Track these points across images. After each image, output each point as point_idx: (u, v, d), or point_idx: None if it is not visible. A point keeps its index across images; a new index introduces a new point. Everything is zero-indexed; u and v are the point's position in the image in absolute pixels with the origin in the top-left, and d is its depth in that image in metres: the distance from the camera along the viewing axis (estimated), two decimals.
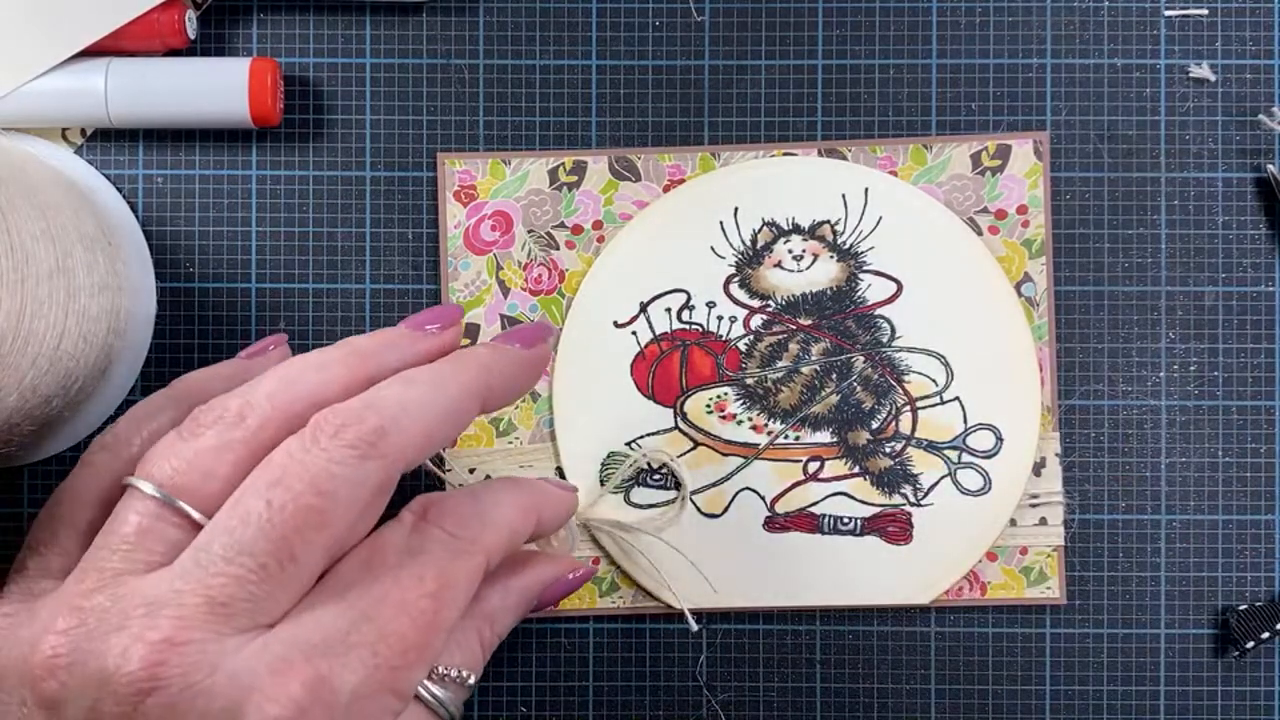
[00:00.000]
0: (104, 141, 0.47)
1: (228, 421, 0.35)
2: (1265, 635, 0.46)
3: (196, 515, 0.34)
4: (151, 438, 0.38)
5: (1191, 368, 0.47)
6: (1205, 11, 0.47)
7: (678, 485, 0.46)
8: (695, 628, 0.46)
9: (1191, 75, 0.47)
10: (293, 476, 0.33)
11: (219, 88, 0.45)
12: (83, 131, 0.47)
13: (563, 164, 0.47)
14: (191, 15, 0.46)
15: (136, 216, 0.47)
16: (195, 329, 0.47)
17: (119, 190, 0.47)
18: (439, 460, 0.44)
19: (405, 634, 0.33)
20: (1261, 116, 0.47)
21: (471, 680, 0.37)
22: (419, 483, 0.47)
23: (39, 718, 0.32)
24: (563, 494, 0.42)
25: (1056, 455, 0.46)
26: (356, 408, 0.34)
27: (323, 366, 0.37)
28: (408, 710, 0.35)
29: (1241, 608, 0.46)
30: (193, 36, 0.46)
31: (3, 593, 0.36)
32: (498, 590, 0.40)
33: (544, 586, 0.41)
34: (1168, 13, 0.47)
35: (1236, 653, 0.46)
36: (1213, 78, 0.47)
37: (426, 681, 0.36)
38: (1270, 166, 0.46)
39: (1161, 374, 0.47)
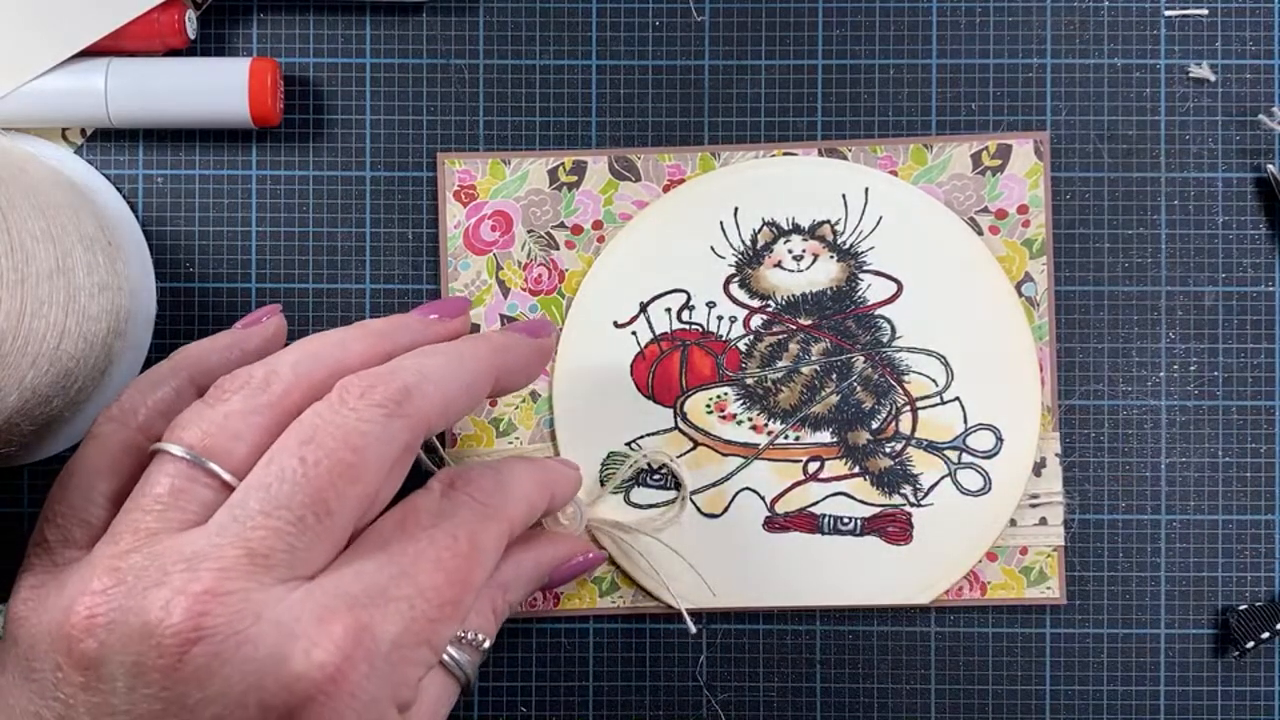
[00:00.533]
0: (104, 141, 0.47)
1: (253, 387, 0.36)
2: (1265, 635, 0.46)
3: (227, 476, 0.35)
4: (155, 407, 0.39)
5: (1191, 368, 0.47)
6: (1205, 11, 0.47)
7: (678, 485, 0.46)
8: (694, 630, 0.46)
9: (1191, 75, 0.47)
10: (324, 435, 0.34)
11: (219, 88, 0.45)
12: (83, 131, 0.47)
13: (562, 164, 0.47)
14: (191, 15, 0.46)
15: (136, 216, 0.47)
16: (195, 329, 0.47)
17: (119, 190, 0.47)
18: (439, 460, 0.44)
19: (441, 589, 0.34)
20: (1261, 116, 0.47)
21: (486, 645, 0.38)
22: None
23: (76, 679, 0.32)
24: (570, 472, 0.43)
25: (1057, 455, 0.46)
26: (382, 372, 0.36)
27: (341, 343, 0.38)
28: (430, 672, 0.36)
29: (1241, 608, 0.46)
30: (193, 36, 0.46)
31: (25, 567, 0.37)
32: (512, 562, 0.41)
33: (556, 562, 0.43)
34: (1168, 13, 0.47)
35: (1236, 653, 0.46)
36: (1213, 78, 0.47)
37: (450, 646, 0.37)
38: (1270, 166, 0.46)
39: (1161, 374, 0.47)
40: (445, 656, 0.37)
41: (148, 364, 0.47)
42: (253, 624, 0.32)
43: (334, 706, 0.32)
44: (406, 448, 0.36)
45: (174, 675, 0.31)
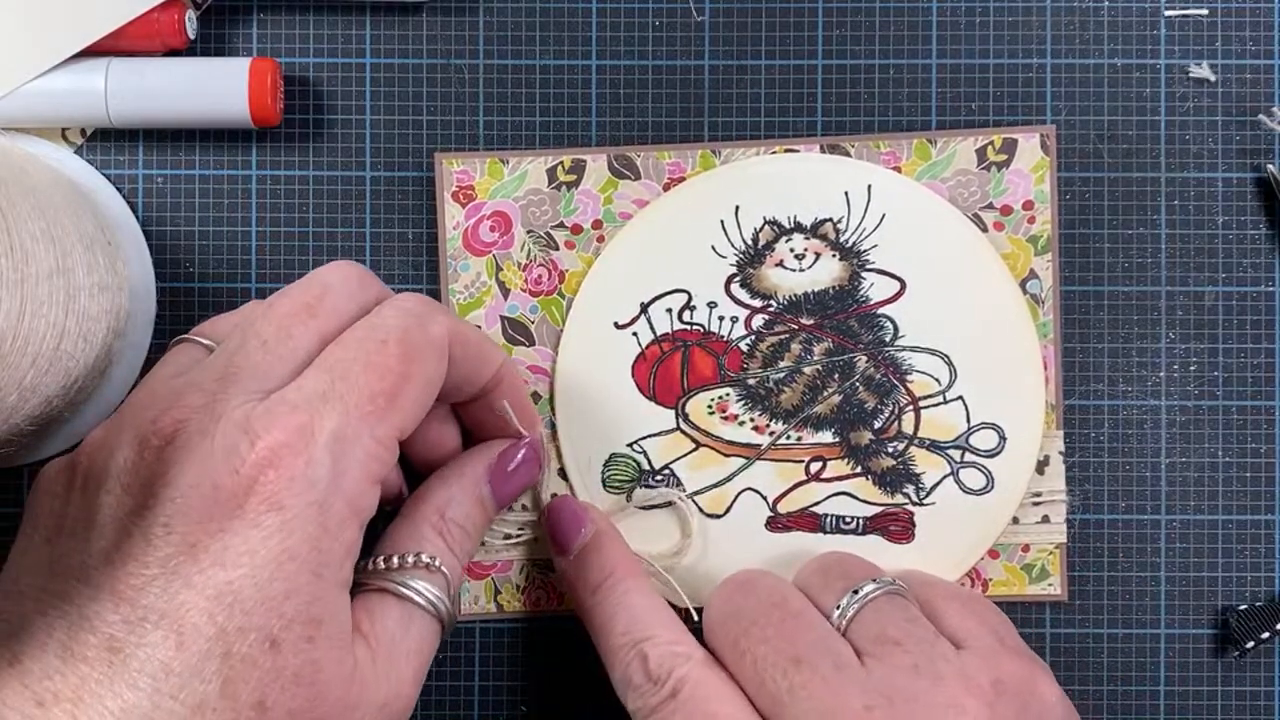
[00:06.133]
0: (104, 141, 0.47)
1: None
2: (1265, 635, 0.46)
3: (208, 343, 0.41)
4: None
5: (1191, 368, 0.47)
6: (1205, 11, 0.47)
7: (678, 482, 0.46)
8: (697, 619, 0.46)
9: (1191, 75, 0.47)
10: (291, 289, 0.40)
11: (219, 88, 0.45)
12: (83, 131, 0.47)
13: (561, 163, 0.47)
14: (191, 15, 0.46)
15: (136, 216, 0.47)
16: None
17: (119, 190, 0.47)
18: None
19: (373, 384, 0.37)
20: (1261, 116, 0.47)
21: (444, 569, 0.41)
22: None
23: (80, 501, 0.38)
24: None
25: (1060, 453, 0.46)
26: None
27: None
28: (402, 610, 0.40)
29: (1241, 608, 0.46)
30: (193, 36, 0.46)
31: None
32: (439, 480, 0.43)
33: (486, 465, 0.44)
34: (1168, 13, 0.47)
35: (1236, 653, 0.46)
36: (1213, 78, 0.47)
37: (399, 575, 0.40)
38: (1270, 166, 0.46)
39: (1161, 374, 0.47)
40: (408, 591, 0.40)
41: (147, 364, 0.47)
42: (214, 425, 0.36)
43: (274, 490, 0.36)
44: (361, 281, 0.40)
45: (151, 470, 0.36)
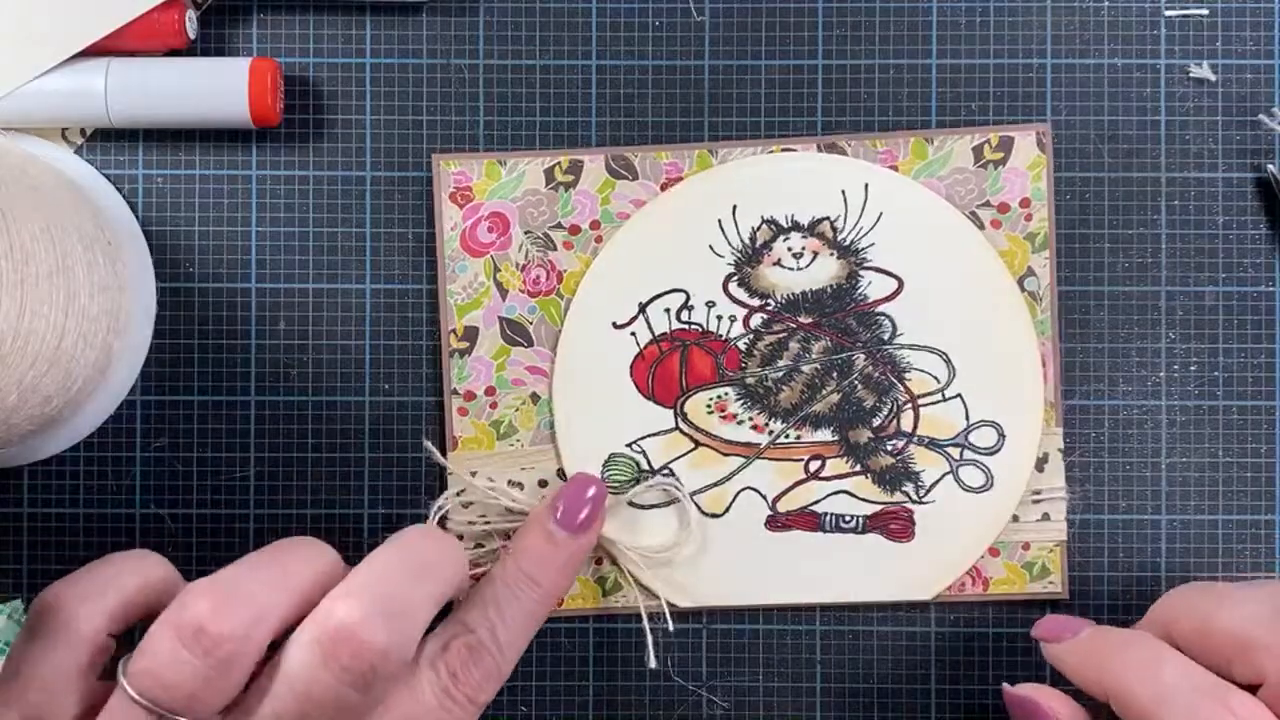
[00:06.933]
0: (104, 141, 0.47)
1: None
2: None
3: None
4: None
5: (1191, 368, 0.47)
6: (1205, 11, 0.47)
7: (679, 486, 0.46)
8: (671, 628, 0.46)
9: (1191, 75, 0.47)
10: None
11: (219, 88, 0.45)
12: (83, 131, 0.47)
13: (559, 163, 0.47)
14: (191, 15, 0.46)
15: (136, 216, 0.47)
16: (195, 329, 0.47)
17: (119, 190, 0.47)
18: (441, 469, 0.44)
19: None
20: (1261, 116, 0.47)
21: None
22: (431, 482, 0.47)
23: None
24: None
25: (1059, 450, 0.46)
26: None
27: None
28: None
29: None
30: (193, 36, 0.46)
31: None
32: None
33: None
34: (1168, 13, 0.47)
35: None
36: (1213, 78, 0.47)
37: None
38: (1270, 166, 0.46)
39: (1161, 374, 0.47)
40: None
41: (147, 364, 0.47)
42: None
43: None
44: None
45: None
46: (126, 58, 0.45)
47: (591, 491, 0.44)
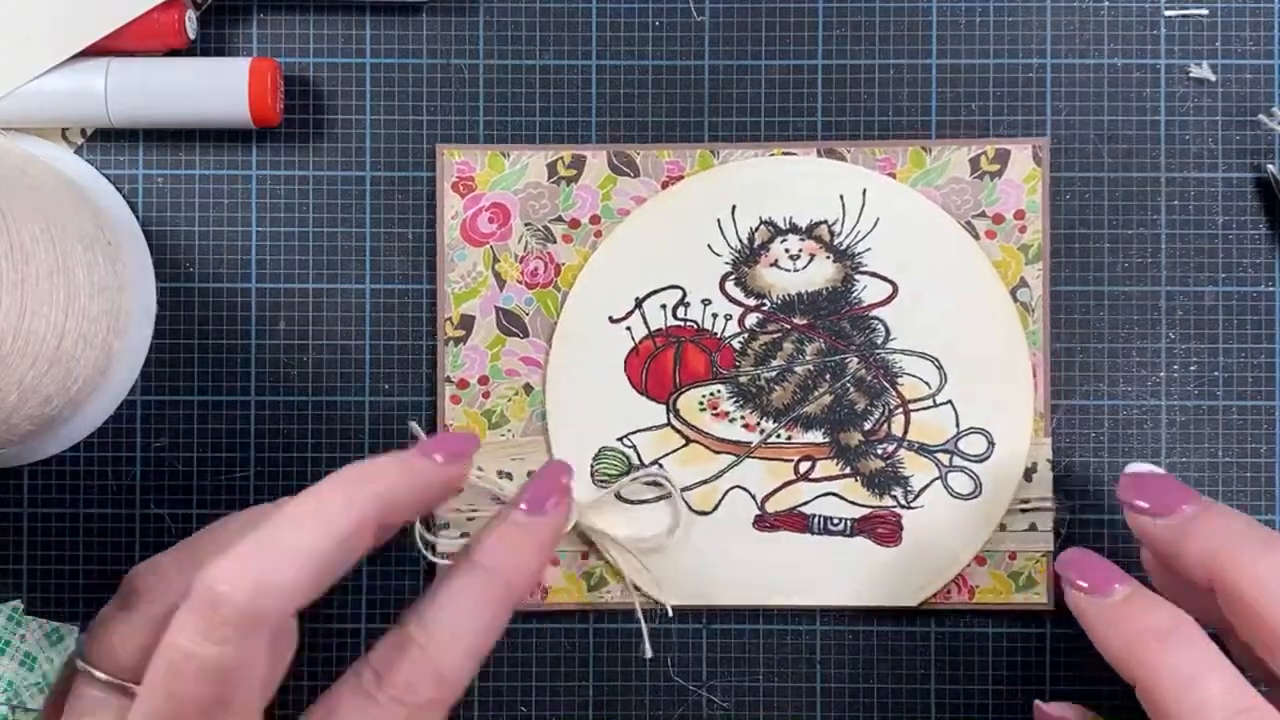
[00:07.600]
0: (104, 141, 0.47)
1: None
2: None
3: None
4: None
5: (1191, 368, 0.47)
6: (1205, 11, 0.47)
7: (668, 477, 0.46)
8: (671, 613, 0.46)
9: (1191, 75, 0.47)
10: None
11: (219, 88, 0.45)
12: (83, 131, 0.47)
13: (561, 158, 0.47)
14: (191, 15, 0.46)
15: (136, 216, 0.47)
16: (195, 329, 0.47)
17: (119, 190, 0.47)
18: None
19: None
20: (1261, 116, 0.46)
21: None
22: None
23: None
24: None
25: (1048, 460, 0.46)
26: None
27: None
28: None
29: None
30: (193, 36, 0.46)
31: None
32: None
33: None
34: (1168, 13, 0.47)
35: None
36: (1213, 78, 0.47)
37: None
38: (1270, 166, 0.46)
39: (1161, 374, 0.47)
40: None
41: (147, 364, 0.47)
42: None
43: None
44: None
45: None
46: (126, 58, 0.45)
47: (563, 478, 0.41)
